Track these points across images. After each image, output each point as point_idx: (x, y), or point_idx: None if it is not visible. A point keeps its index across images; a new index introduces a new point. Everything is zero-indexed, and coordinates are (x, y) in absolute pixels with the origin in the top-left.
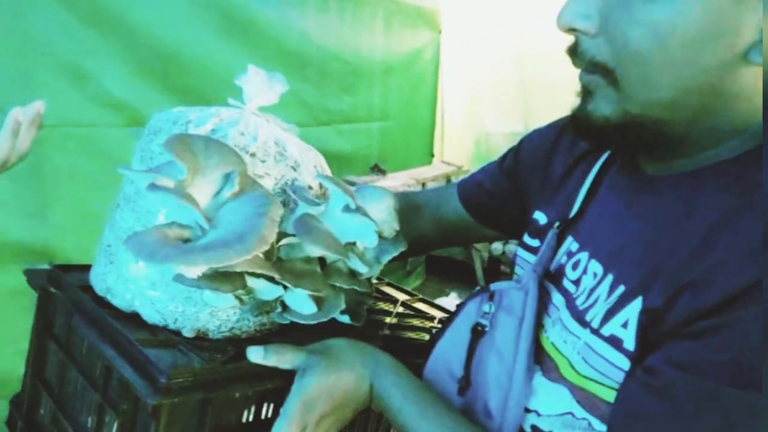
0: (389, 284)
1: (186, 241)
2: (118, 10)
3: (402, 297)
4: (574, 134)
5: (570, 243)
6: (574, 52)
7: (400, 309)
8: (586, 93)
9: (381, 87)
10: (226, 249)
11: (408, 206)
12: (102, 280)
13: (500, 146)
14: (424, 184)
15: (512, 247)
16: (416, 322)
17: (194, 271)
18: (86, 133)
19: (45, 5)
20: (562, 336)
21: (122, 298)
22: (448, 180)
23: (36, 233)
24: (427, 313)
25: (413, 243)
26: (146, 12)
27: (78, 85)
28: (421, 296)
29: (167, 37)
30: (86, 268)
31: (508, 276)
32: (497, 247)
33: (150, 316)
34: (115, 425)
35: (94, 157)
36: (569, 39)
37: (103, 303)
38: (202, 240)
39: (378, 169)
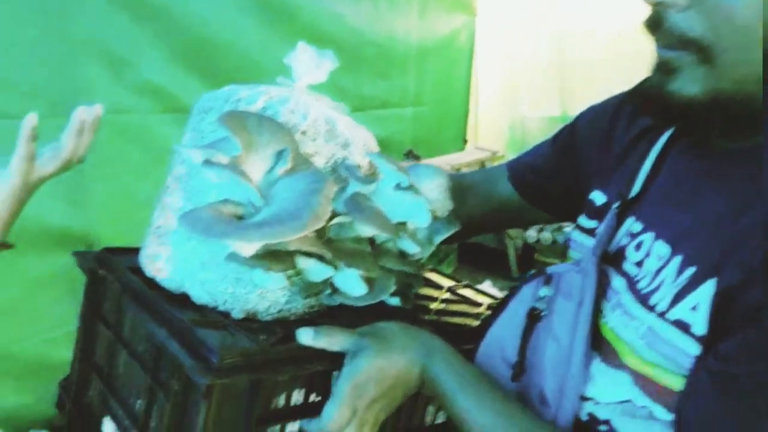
0: (433, 270)
1: (239, 218)
2: (162, 1)
3: (447, 283)
4: (646, 114)
5: (632, 224)
6: (656, 27)
7: (447, 295)
8: (668, 71)
9: (415, 72)
10: (281, 225)
11: (455, 188)
12: (151, 262)
13: (537, 131)
14: (458, 170)
15: (547, 234)
16: (463, 307)
17: (249, 248)
18: (125, 119)
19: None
20: (623, 321)
21: (171, 280)
22: (482, 166)
23: (76, 219)
24: (474, 300)
25: (461, 226)
26: (188, 2)
27: (117, 72)
28: (467, 282)
29: (204, 23)
30: (135, 251)
31: (543, 264)
32: (531, 234)
33: (199, 297)
34: (166, 406)
35: (132, 144)
36: (610, 19)
37: (152, 284)
38: (257, 217)
39: (412, 155)
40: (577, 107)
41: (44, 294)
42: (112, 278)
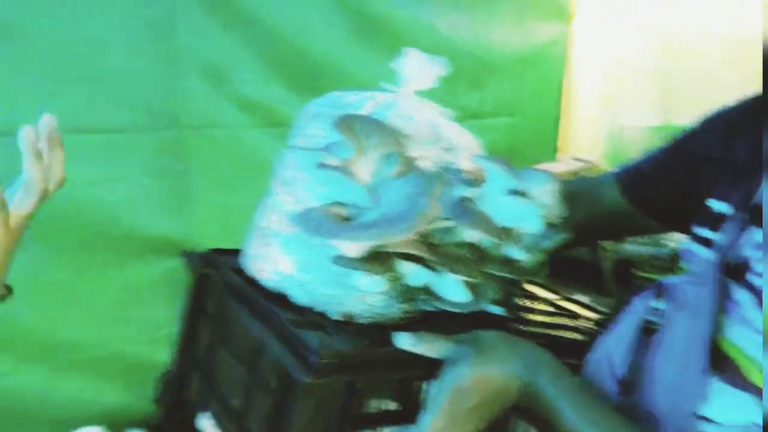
0: (532, 281)
1: (346, 219)
2: (257, 14)
3: (545, 294)
4: None
5: (758, 234)
6: None
7: (548, 307)
8: None
9: (509, 82)
10: (389, 226)
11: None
12: (253, 262)
13: (636, 140)
14: None
15: (647, 249)
16: (564, 320)
17: (355, 248)
18: (224, 133)
19: (188, 10)
20: (750, 336)
21: (272, 280)
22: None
23: (176, 228)
24: (575, 312)
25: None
26: (282, 15)
27: (217, 87)
28: (569, 295)
29: (302, 39)
30: (237, 252)
31: (643, 280)
32: (629, 247)
33: (299, 297)
34: (264, 403)
35: (230, 156)
36: (721, 29)
37: (253, 284)
38: (365, 218)
39: None
40: (682, 115)
41: (146, 298)
42: (216, 277)
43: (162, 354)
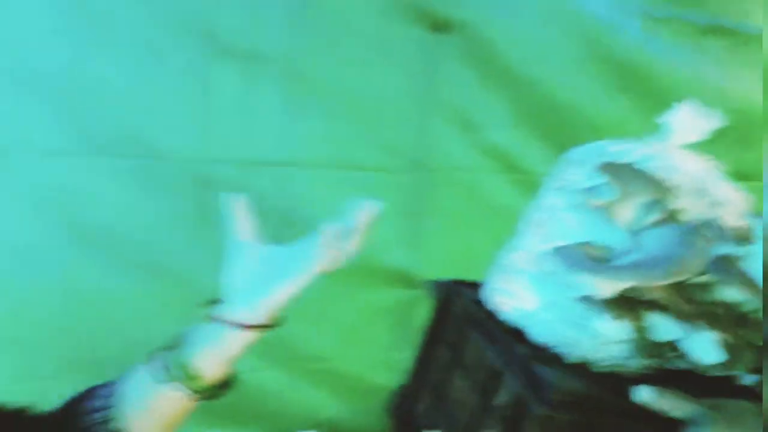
0: None
1: (602, 260)
2: (513, 66)
3: None
4: None
5: None
6: None
7: None
8: None
9: None
10: (647, 270)
11: None
12: (494, 296)
13: None
14: None
15: None
16: None
17: (610, 288)
18: (467, 177)
19: (449, 63)
20: None
21: (512, 314)
22: None
23: (412, 262)
24: None
25: None
26: (538, 67)
27: (465, 133)
28: None
29: (554, 90)
30: (476, 285)
31: None
32: None
33: (537, 335)
34: (494, 429)
35: (471, 200)
36: None
37: (492, 316)
38: (625, 260)
39: None
40: None
41: (378, 324)
42: (457, 305)
43: (378, 376)
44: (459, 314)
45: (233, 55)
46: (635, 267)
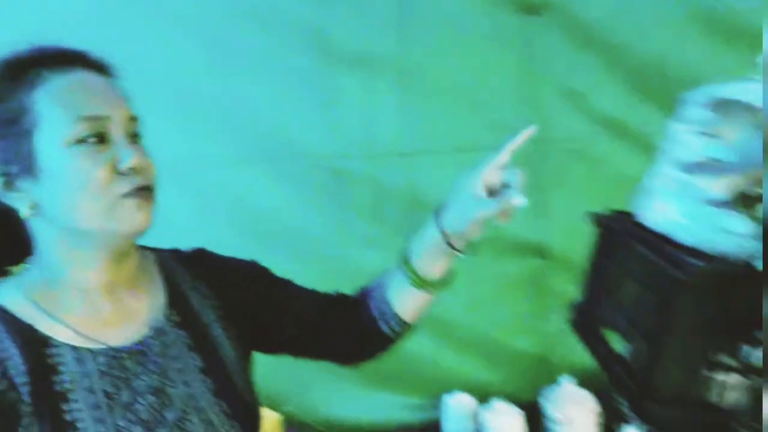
0: None
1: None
2: (606, 33)
3: None
4: None
5: None
6: None
7: None
8: None
9: None
10: (739, 166)
11: None
12: (645, 213)
13: None
14: None
15: None
16: None
17: (725, 185)
18: (580, 146)
19: (546, 38)
20: None
21: (660, 225)
22: None
23: (535, 232)
24: None
25: None
26: (630, 31)
27: (572, 103)
28: None
29: (652, 52)
30: (629, 214)
31: None
32: None
33: (682, 238)
34: (653, 303)
35: (585, 168)
36: None
37: (646, 229)
38: (730, 165)
39: None
40: None
41: (512, 293)
42: (620, 227)
43: (520, 342)
44: (620, 232)
45: (350, 62)
46: (738, 167)
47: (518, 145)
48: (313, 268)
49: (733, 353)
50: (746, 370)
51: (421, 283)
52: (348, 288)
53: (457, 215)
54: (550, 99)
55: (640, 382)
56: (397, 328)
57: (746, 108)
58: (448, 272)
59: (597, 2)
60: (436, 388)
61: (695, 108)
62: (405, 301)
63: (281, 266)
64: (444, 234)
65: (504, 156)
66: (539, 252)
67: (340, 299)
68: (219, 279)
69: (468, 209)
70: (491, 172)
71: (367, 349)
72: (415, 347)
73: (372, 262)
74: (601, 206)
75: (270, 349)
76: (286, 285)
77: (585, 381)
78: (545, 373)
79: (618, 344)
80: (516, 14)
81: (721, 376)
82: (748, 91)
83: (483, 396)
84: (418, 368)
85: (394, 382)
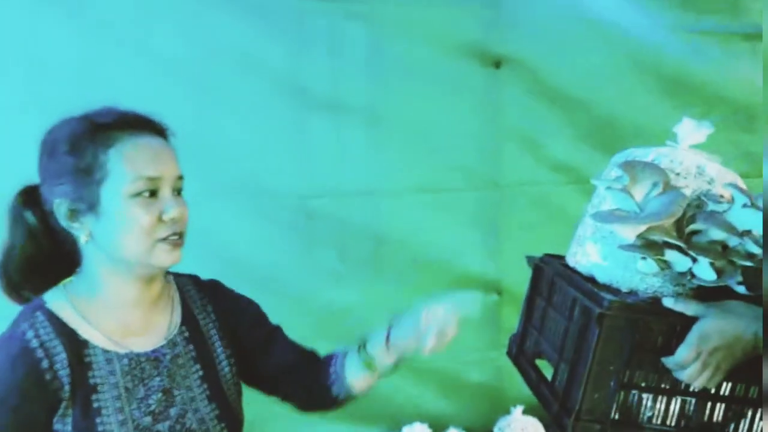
0: None
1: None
2: (562, 87)
3: None
4: None
5: None
6: None
7: None
8: None
9: None
10: (650, 216)
11: None
12: (572, 257)
13: None
14: None
15: None
16: None
17: (630, 231)
18: (536, 190)
19: (513, 91)
20: None
21: (584, 267)
22: None
23: (490, 268)
24: None
25: None
26: (584, 85)
27: (531, 151)
28: None
29: (603, 105)
30: (560, 257)
31: None
32: None
33: (601, 277)
34: (574, 333)
35: (540, 211)
36: None
37: (572, 270)
38: (637, 215)
39: None
40: None
41: (465, 326)
42: (549, 268)
43: (476, 374)
44: (550, 273)
45: (323, 107)
46: (643, 216)
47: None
48: (278, 303)
49: (644, 376)
50: (657, 390)
51: (371, 367)
52: (313, 324)
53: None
54: (509, 146)
55: (562, 402)
56: (342, 397)
57: (652, 169)
58: (398, 361)
59: (554, 58)
60: (395, 419)
61: (613, 168)
62: (356, 377)
63: None
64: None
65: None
66: (495, 288)
67: (312, 357)
68: (224, 309)
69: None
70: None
71: (318, 404)
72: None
73: (338, 298)
74: (553, 246)
75: (248, 380)
76: (275, 331)
77: (535, 410)
78: (499, 403)
79: (547, 370)
80: (478, 66)
81: (633, 396)
82: (655, 156)
83: (440, 426)
84: (378, 400)
85: (355, 414)
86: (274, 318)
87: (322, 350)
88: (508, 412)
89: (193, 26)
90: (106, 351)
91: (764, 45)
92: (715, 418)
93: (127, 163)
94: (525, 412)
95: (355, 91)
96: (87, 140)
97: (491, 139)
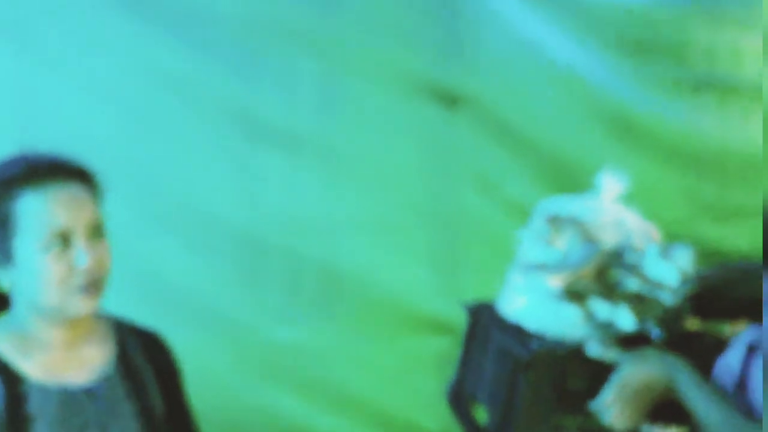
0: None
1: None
2: (517, 127)
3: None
4: None
5: None
6: None
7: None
8: None
9: None
10: (568, 267)
11: (755, 271)
12: (503, 305)
13: None
14: None
15: None
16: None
17: (555, 281)
18: (492, 230)
19: (466, 134)
20: None
21: (513, 314)
22: None
23: (447, 311)
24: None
25: (748, 307)
26: (543, 126)
27: (485, 191)
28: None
29: (557, 145)
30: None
31: None
32: None
33: (530, 325)
34: (505, 379)
35: (497, 250)
36: None
37: (502, 319)
38: (558, 265)
39: None
40: None
41: (419, 370)
42: (482, 315)
43: (427, 420)
44: (484, 322)
45: (273, 139)
46: (561, 267)
47: None
48: (224, 340)
49: (573, 419)
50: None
51: None
52: (258, 363)
53: None
54: (464, 185)
55: None
56: None
57: (573, 222)
58: None
59: (510, 98)
60: None
61: (538, 219)
62: None
63: (191, 337)
64: None
65: None
66: (450, 330)
67: None
68: (158, 359)
69: None
70: None
71: None
72: (322, 425)
73: (286, 336)
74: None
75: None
76: (187, 409)
77: None
78: None
79: (482, 415)
80: (434, 104)
81: None
82: (577, 207)
83: None
84: None
85: None
86: (219, 355)
87: (266, 395)
88: None
89: (136, 56)
90: (40, 385)
91: (765, 101)
92: None
93: (34, 218)
94: None
95: (307, 126)
96: None
97: (446, 178)
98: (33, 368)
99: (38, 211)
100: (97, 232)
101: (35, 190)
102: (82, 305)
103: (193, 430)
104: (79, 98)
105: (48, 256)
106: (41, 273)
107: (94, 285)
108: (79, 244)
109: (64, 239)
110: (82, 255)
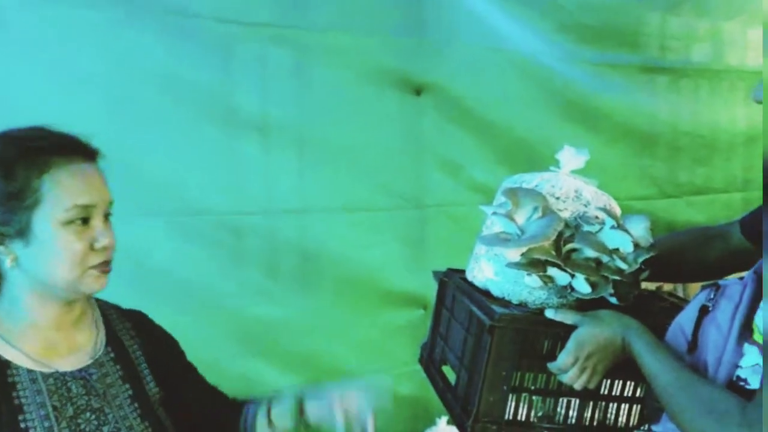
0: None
1: (508, 240)
2: (480, 112)
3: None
4: None
5: None
6: None
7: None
8: None
9: (743, 157)
10: (528, 240)
11: (700, 236)
12: (470, 273)
13: None
14: None
15: None
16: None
17: (514, 254)
18: (457, 210)
19: (432, 118)
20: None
21: (480, 282)
22: None
23: (418, 286)
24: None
25: (699, 270)
26: (503, 111)
27: (451, 173)
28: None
29: (518, 129)
30: (462, 271)
31: None
32: None
33: (495, 291)
34: (470, 343)
35: (462, 229)
36: None
37: (471, 285)
38: (518, 238)
39: None
40: None
41: (394, 341)
42: (451, 283)
43: (401, 386)
44: (452, 287)
45: (251, 127)
46: (522, 240)
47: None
48: (206, 320)
49: (534, 379)
50: (545, 392)
51: (272, 427)
52: (241, 339)
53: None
54: (431, 168)
55: (463, 406)
56: None
57: (533, 195)
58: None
59: (472, 86)
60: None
61: (499, 194)
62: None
63: (174, 318)
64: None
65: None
66: (421, 303)
67: (228, 401)
68: (146, 333)
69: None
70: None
71: None
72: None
73: (266, 314)
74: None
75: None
76: (191, 366)
77: None
78: (424, 414)
79: (451, 377)
80: (401, 92)
81: (525, 398)
82: (536, 181)
83: None
84: None
85: None
86: (203, 332)
87: (251, 367)
88: (433, 423)
89: (116, 47)
90: (30, 371)
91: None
92: (596, 415)
93: (61, 191)
94: (449, 422)
95: (282, 113)
96: (19, 165)
97: (414, 162)
98: (22, 355)
99: (67, 185)
100: (109, 213)
101: (63, 163)
102: (95, 284)
103: (195, 409)
104: (58, 87)
105: (69, 231)
106: (61, 247)
107: (108, 264)
108: (98, 223)
109: (85, 216)
110: (103, 234)
